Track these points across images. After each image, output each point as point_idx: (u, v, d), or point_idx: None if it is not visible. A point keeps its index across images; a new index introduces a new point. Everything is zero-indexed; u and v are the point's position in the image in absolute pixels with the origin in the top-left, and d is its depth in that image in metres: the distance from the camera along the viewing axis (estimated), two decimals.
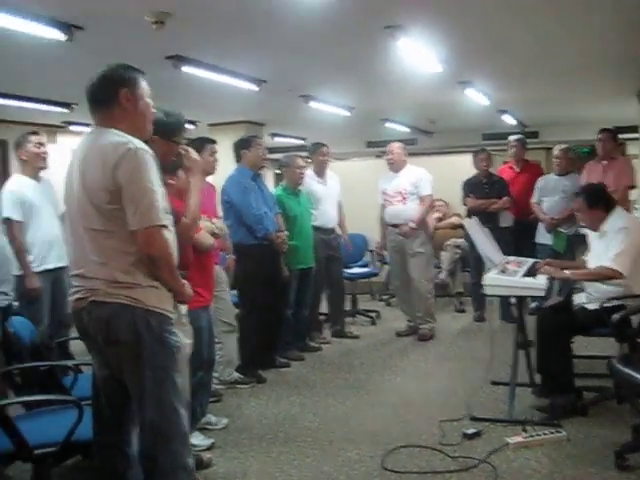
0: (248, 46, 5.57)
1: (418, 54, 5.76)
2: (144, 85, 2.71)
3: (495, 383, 4.79)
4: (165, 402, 2.53)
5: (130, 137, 2.52)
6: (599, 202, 4.44)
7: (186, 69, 5.87)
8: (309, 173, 6.36)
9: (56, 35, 4.52)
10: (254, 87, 6.86)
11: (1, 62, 5.69)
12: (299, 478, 3.53)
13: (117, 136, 2.52)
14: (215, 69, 6.14)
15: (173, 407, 2.55)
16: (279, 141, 12.31)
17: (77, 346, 4.63)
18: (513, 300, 5.69)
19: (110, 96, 2.61)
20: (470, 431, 3.97)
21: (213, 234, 4.03)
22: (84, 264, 2.54)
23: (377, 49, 5.65)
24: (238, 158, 5.54)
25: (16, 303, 4.60)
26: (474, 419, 4.21)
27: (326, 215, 6.44)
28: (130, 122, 2.63)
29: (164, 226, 2.49)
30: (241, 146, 5.56)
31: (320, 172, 6.56)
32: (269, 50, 5.73)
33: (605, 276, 4.19)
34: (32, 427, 2.89)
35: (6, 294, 4.14)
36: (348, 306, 7.51)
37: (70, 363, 3.49)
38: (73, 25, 4.58)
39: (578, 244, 5.85)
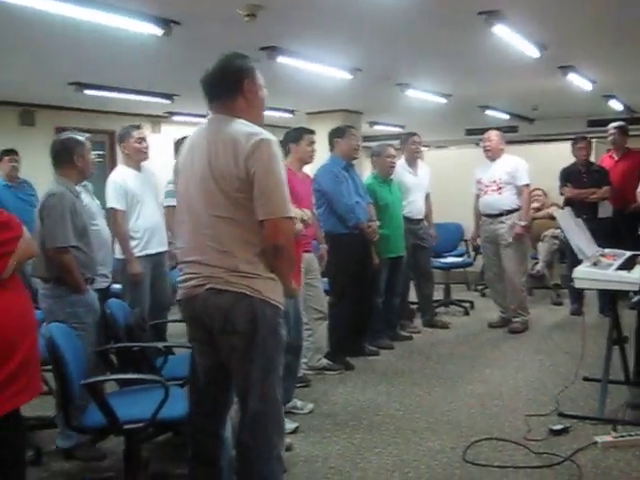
0: (341, 35, 5.62)
1: (514, 40, 5.63)
2: (260, 75, 2.74)
3: (587, 379, 4.64)
4: (270, 393, 2.57)
5: (259, 127, 2.57)
6: None
7: (281, 59, 5.98)
8: (400, 163, 6.33)
9: (154, 30, 4.72)
10: (348, 75, 6.90)
11: (106, 57, 6.01)
12: (379, 465, 3.57)
13: (248, 126, 2.56)
14: (309, 58, 6.24)
15: (276, 398, 2.59)
16: (378, 129, 12.32)
17: (173, 328, 4.89)
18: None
19: (234, 86, 2.63)
20: (557, 427, 3.88)
21: (302, 221, 4.08)
22: (203, 251, 2.53)
23: (472, 35, 5.59)
24: (331, 147, 5.59)
25: (118, 286, 4.88)
26: (562, 415, 4.10)
27: (414, 205, 6.41)
28: (250, 111, 2.66)
29: (291, 218, 2.55)
30: (335, 134, 5.61)
31: (411, 162, 6.53)
32: (363, 38, 5.76)
33: None
34: (123, 404, 3.06)
35: (106, 276, 4.41)
36: (441, 296, 7.46)
37: (160, 345, 3.65)
38: (171, 20, 4.77)
39: None
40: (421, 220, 6.53)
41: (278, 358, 2.60)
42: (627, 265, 4.12)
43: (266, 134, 2.52)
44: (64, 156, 3.80)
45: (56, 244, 3.55)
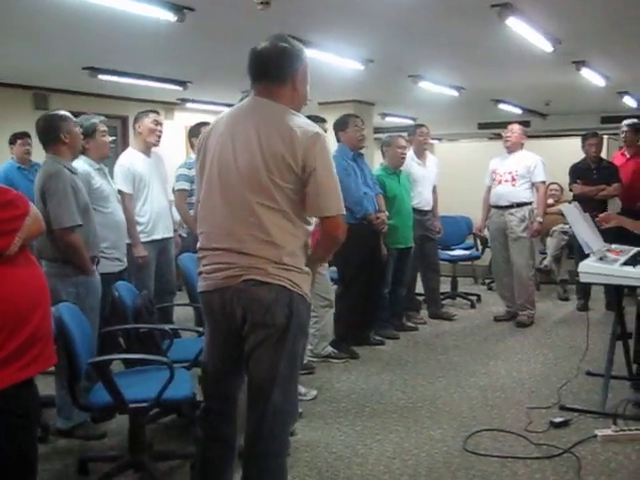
0: (355, 25, 5.63)
1: (527, 33, 5.62)
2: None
3: (590, 374, 4.66)
4: (292, 387, 2.56)
5: (309, 120, 2.54)
6: None
7: None
8: (409, 154, 6.34)
9: (168, 16, 4.74)
10: (360, 66, 6.91)
11: (120, 43, 6.05)
12: (380, 452, 3.61)
13: (300, 117, 2.52)
14: (322, 48, 6.24)
15: (295, 393, 2.61)
16: (389, 121, 12.32)
17: (178, 313, 4.94)
18: (625, 290, 5.53)
19: (288, 72, 2.53)
20: (557, 420, 3.90)
21: None
22: (242, 239, 2.43)
23: (485, 28, 5.59)
24: (337, 138, 5.59)
25: None
26: (563, 408, 4.13)
27: (422, 197, 6.43)
28: (295, 101, 2.58)
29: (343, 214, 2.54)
30: (337, 127, 5.58)
31: (419, 153, 6.54)
32: (375, 29, 5.77)
33: None
34: (129, 383, 3.13)
35: (119, 260, 4.44)
36: (448, 288, 7.48)
37: (167, 327, 3.70)
38: (185, 7, 4.79)
39: None
40: (429, 212, 6.55)
41: (302, 353, 2.61)
42: (633, 261, 4.13)
43: (319, 129, 2.50)
44: (50, 134, 3.75)
45: (63, 224, 3.56)
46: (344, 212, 2.51)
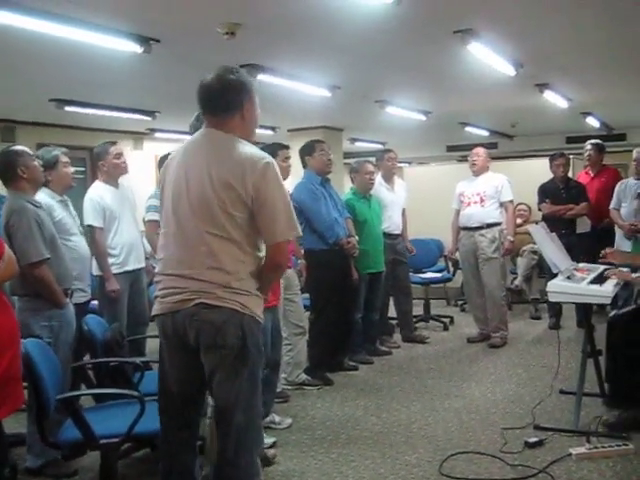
0: (320, 53, 5.70)
1: (490, 58, 5.73)
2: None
3: (564, 392, 4.69)
4: (254, 407, 2.59)
5: (259, 149, 2.62)
6: None
7: (261, 77, 6.03)
8: (377, 179, 6.39)
9: (134, 48, 4.76)
10: (327, 93, 6.97)
11: (86, 75, 6.05)
12: (355, 479, 3.58)
13: (252, 147, 2.59)
14: (288, 76, 6.30)
15: (258, 412, 2.64)
16: (359, 146, 12.42)
17: (151, 344, 4.87)
18: (595, 308, 5.60)
19: (234, 104, 2.62)
20: (532, 440, 3.91)
21: None
22: (194, 266, 2.51)
23: (447, 53, 5.68)
24: (304, 164, 5.60)
25: (96, 302, 4.88)
26: (538, 428, 4.14)
27: (392, 221, 6.46)
28: (245, 129, 2.66)
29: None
30: (305, 152, 5.59)
31: (388, 178, 6.57)
32: (340, 56, 5.84)
33: None
34: (100, 418, 3.08)
35: (83, 291, 4.40)
36: (420, 311, 7.50)
37: (138, 360, 3.66)
38: (151, 38, 4.81)
39: None
40: (399, 235, 6.58)
41: (259, 373, 2.63)
42: (599, 279, 4.19)
43: (268, 157, 2.57)
44: (8, 170, 3.73)
45: (30, 259, 3.52)
46: (291, 238, 2.63)
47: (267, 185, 2.50)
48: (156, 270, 2.70)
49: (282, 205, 2.54)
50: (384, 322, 6.66)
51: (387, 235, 6.35)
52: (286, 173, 4.90)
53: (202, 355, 2.54)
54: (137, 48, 4.80)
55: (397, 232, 6.55)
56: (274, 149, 4.90)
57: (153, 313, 2.66)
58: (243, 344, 2.50)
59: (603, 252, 4.62)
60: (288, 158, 4.88)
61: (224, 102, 2.61)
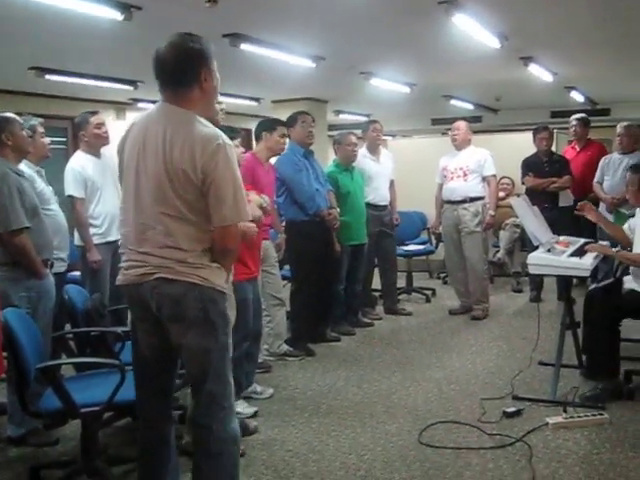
0: (304, 23, 5.63)
1: (475, 30, 5.69)
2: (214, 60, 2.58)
3: (543, 364, 4.76)
4: (224, 374, 2.59)
5: (216, 129, 2.51)
6: None
7: (244, 47, 5.97)
8: (362, 151, 6.38)
9: (114, 15, 4.68)
10: (311, 64, 6.91)
11: (67, 42, 5.94)
12: (336, 448, 3.62)
13: (206, 127, 2.48)
14: (272, 46, 6.22)
15: (228, 379, 2.61)
16: (343, 118, 12.35)
17: None
18: (575, 281, 5.65)
19: (191, 76, 2.50)
20: (510, 410, 3.97)
21: (261, 208, 4.10)
22: (152, 243, 2.50)
23: (432, 25, 5.64)
24: (288, 136, 5.57)
25: (77, 273, 4.86)
26: (516, 398, 4.20)
27: (378, 192, 6.46)
28: (203, 102, 2.56)
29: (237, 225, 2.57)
30: (287, 124, 5.50)
31: (373, 149, 6.57)
32: (325, 27, 5.77)
33: None
34: (80, 387, 3.09)
35: (63, 260, 4.37)
36: (403, 283, 7.54)
37: (119, 330, 3.65)
38: (131, 5, 4.73)
39: None
40: (386, 207, 6.58)
41: (229, 340, 2.63)
42: (579, 252, 4.23)
43: (224, 137, 2.47)
44: None
45: (9, 227, 3.50)
46: (240, 221, 2.57)
47: (216, 167, 2.42)
48: (119, 242, 2.71)
49: (230, 188, 2.46)
50: (367, 294, 6.70)
51: (373, 206, 6.36)
52: (280, 149, 4.99)
53: (167, 327, 2.56)
54: (118, 15, 4.72)
55: (384, 203, 6.55)
56: (274, 123, 4.99)
57: (117, 283, 2.66)
58: (205, 316, 2.50)
59: (579, 204, 4.61)
60: (285, 136, 4.93)
61: (179, 73, 2.49)
